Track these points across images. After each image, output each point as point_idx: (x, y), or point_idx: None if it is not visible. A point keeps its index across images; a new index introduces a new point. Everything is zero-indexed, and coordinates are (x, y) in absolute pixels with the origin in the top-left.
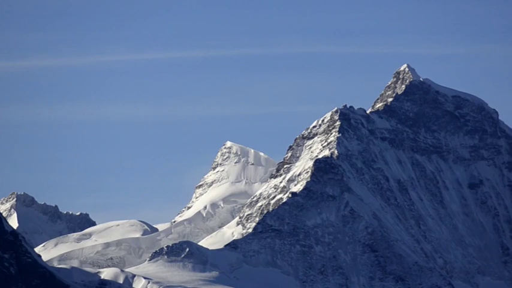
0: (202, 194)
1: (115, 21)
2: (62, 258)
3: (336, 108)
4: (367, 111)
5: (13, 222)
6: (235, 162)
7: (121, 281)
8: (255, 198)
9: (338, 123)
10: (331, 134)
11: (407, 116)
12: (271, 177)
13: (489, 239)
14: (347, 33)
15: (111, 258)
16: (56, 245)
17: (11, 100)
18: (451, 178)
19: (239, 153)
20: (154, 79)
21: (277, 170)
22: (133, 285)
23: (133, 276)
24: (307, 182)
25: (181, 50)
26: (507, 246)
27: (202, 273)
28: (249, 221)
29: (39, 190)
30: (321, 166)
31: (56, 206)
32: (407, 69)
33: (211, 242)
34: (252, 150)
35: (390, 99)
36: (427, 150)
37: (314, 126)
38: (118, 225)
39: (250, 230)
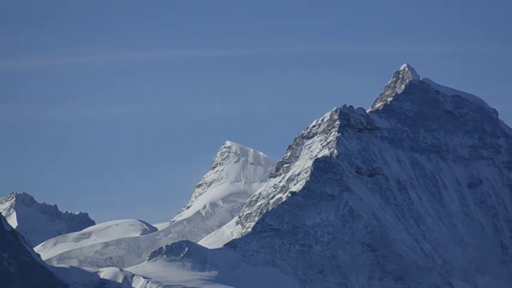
0: (201, 194)
1: (114, 21)
2: (61, 257)
3: (335, 108)
4: (367, 111)
5: (12, 221)
6: (235, 162)
7: (120, 280)
8: (254, 198)
9: (337, 122)
10: (331, 133)
11: (407, 116)
12: (270, 177)
13: (488, 238)
14: (347, 33)
15: (111, 258)
16: (55, 244)
17: (10, 100)
18: (451, 178)
19: (238, 152)
20: (153, 79)
21: (277, 170)
22: (132, 285)
23: (133, 275)
24: (306, 182)
25: (181, 49)
26: (506, 246)
27: (201, 272)
28: (249, 220)
29: (39, 189)
30: (321, 165)
31: (55, 206)
32: (406, 68)
33: (210, 241)
34: (252, 150)
35: (390, 99)
36: (426, 150)
37: (314, 126)
38: (117, 224)
39: (249, 230)
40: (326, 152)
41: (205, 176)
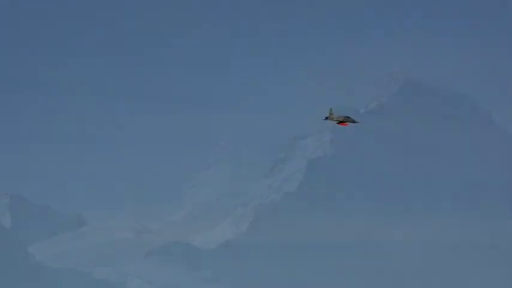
0: (196, 194)
1: (111, 21)
2: (55, 257)
3: (329, 109)
4: (361, 111)
5: (6, 221)
6: (229, 162)
7: (114, 280)
8: (248, 198)
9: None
10: (325, 133)
11: (401, 116)
12: (264, 177)
13: (484, 239)
14: (341, 33)
15: (104, 258)
16: (49, 244)
17: (8, 100)
18: (447, 178)
19: (233, 153)
20: (150, 78)
21: (271, 170)
22: (126, 285)
23: (127, 275)
24: (300, 182)
25: (177, 50)
26: (502, 246)
27: (195, 272)
28: (243, 220)
29: (32, 190)
30: (315, 166)
31: (49, 206)
32: (400, 69)
33: (204, 241)
34: (246, 150)
35: (384, 99)
36: (421, 150)
37: (308, 127)
38: (111, 225)
39: (244, 230)
40: (320, 152)
41: (199, 176)
